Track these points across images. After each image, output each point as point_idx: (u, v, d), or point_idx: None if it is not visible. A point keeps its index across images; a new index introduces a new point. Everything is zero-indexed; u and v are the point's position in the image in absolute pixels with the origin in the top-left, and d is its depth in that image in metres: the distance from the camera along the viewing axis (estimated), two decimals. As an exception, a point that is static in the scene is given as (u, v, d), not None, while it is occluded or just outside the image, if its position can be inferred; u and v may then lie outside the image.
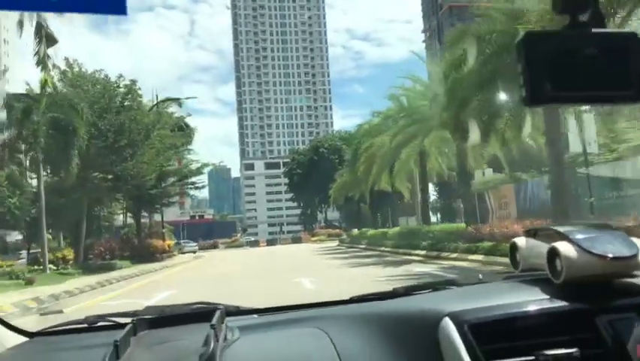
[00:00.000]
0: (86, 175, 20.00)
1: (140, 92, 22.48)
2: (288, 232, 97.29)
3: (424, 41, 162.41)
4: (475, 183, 29.92)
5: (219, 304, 1.56)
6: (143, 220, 33.29)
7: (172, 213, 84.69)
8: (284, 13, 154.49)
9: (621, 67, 0.84)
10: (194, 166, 33.52)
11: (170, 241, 34.18)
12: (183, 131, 30.25)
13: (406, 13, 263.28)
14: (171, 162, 28.07)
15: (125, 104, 20.69)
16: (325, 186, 79.15)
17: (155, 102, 29.25)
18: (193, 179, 34.51)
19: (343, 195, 38.90)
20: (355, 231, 38.19)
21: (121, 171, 20.34)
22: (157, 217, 35.38)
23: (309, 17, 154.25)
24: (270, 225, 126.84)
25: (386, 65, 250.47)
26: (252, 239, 76.18)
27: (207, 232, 75.70)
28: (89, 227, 21.97)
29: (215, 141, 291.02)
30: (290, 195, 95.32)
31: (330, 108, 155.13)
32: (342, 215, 79.91)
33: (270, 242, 68.73)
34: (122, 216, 33.59)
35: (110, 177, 21.43)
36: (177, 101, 30.80)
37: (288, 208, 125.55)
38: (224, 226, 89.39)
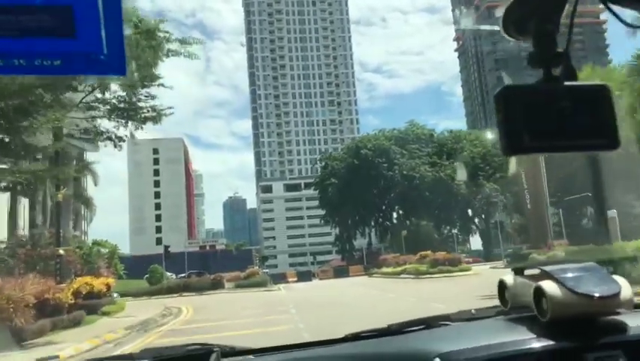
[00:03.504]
0: None
1: None
2: (317, 263, 79.97)
3: (456, 50, 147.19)
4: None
5: (214, 345, 1.59)
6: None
7: (179, 243, 68.63)
8: (303, 18, 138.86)
9: (594, 117, 0.87)
10: None
11: (107, 280, 15.96)
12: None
13: (416, 45, 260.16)
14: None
15: None
16: (370, 197, 60.68)
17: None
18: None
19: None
20: (562, 250, 18.06)
21: None
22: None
23: (333, 40, 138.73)
24: (290, 255, 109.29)
25: (399, 96, 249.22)
26: (272, 272, 56.91)
27: (216, 263, 57.63)
28: None
29: (230, 175, 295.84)
30: (315, 221, 78.30)
31: (357, 121, 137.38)
32: (392, 238, 60.80)
33: (302, 276, 48.85)
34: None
35: None
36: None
37: (311, 236, 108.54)
38: (237, 257, 71.17)
